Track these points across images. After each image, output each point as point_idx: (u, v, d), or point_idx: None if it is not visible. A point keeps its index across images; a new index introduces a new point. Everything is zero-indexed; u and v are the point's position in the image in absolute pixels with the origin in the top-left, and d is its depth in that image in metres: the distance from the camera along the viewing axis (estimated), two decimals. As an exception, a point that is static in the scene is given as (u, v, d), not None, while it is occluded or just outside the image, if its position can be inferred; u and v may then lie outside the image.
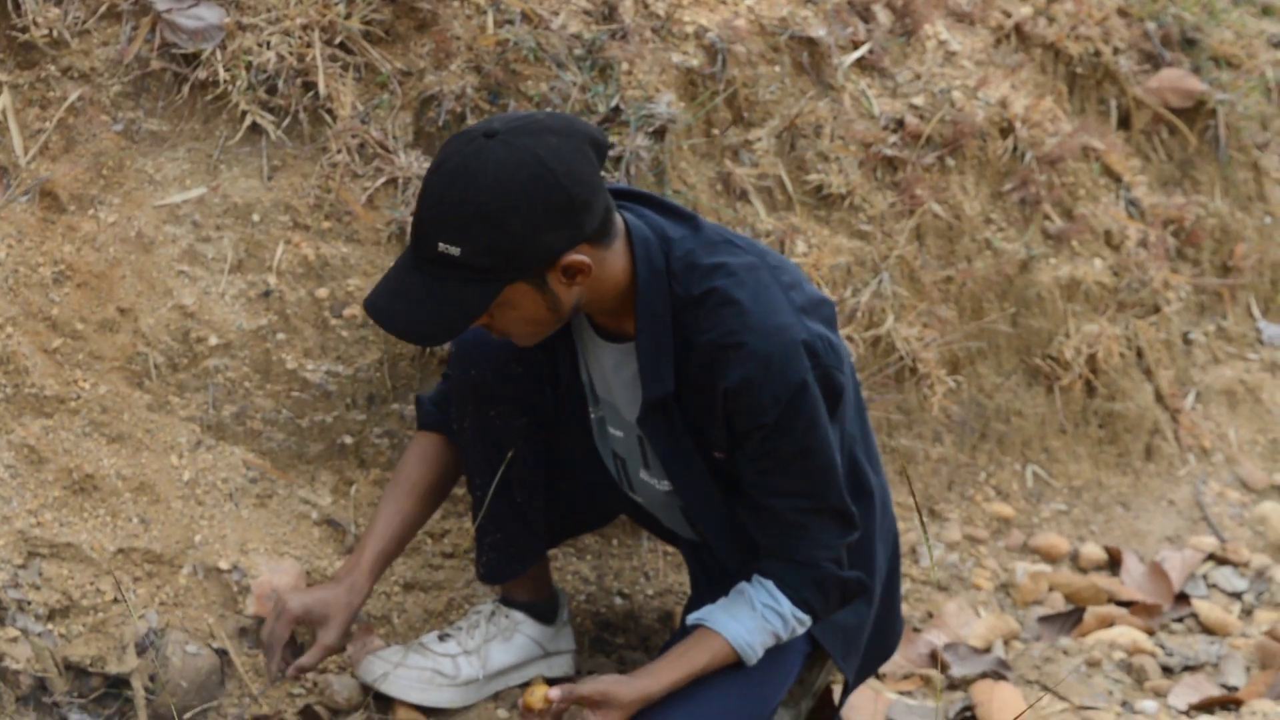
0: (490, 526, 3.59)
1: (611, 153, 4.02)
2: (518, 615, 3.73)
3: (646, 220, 3.24)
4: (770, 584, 3.34)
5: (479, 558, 3.67)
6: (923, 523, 2.45)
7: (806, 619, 3.37)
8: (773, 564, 3.35)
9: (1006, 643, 4.24)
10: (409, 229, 3.11)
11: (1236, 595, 4.57)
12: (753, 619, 3.34)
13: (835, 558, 3.33)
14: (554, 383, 3.49)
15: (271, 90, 3.87)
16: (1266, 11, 5.84)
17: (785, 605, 3.34)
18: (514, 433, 3.50)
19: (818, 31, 4.48)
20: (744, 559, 3.41)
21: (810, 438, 3.22)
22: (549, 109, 4.03)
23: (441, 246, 3.03)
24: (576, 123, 3.13)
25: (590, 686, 3.28)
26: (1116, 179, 5.04)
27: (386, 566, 3.53)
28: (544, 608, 3.76)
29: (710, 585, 3.51)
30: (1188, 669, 4.22)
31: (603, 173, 3.93)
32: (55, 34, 3.78)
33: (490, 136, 3.04)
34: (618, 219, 3.19)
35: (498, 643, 3.71)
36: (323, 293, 3.84)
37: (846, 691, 3.64)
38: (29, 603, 3.45)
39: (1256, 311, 5.42)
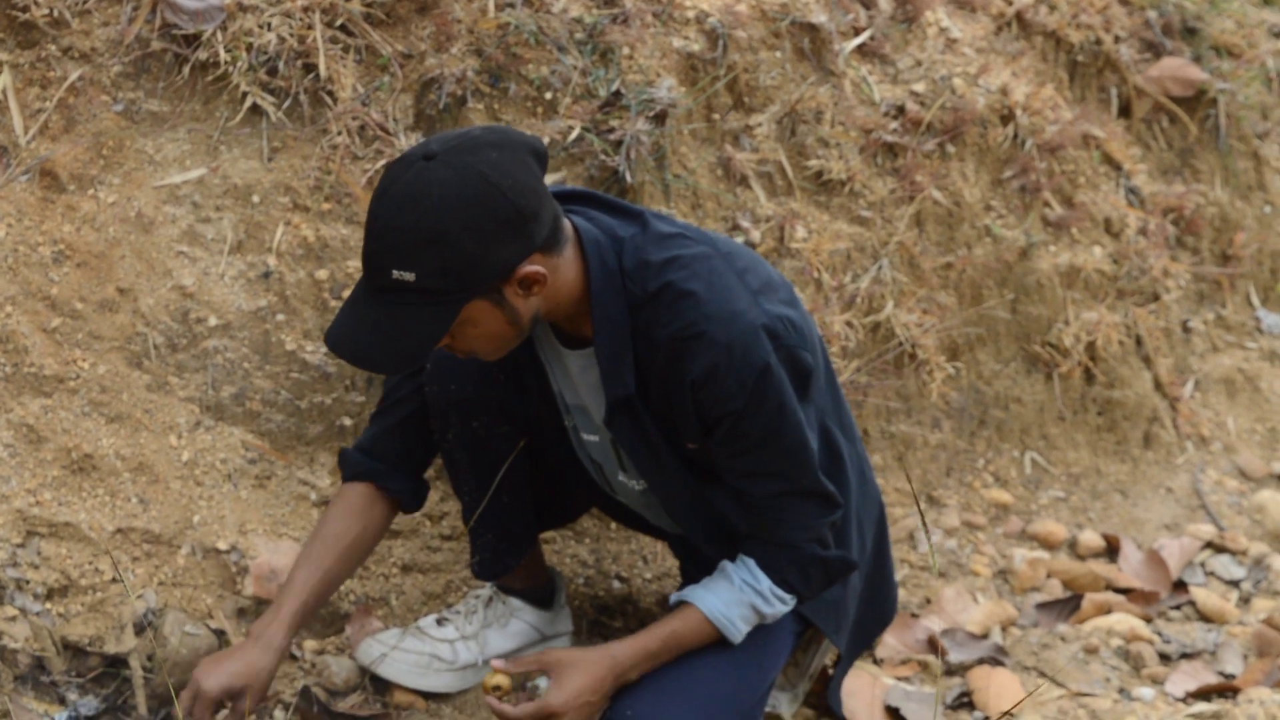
0: (481, 528, 3.59)
1: (612, 136, 4.02)
2: (515, 602, 3.73)
3: (595, 221, 3.24)
4: (751, 562, 3.35)
5: (472, 556, 3.67)
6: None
7: (789, 598, 3.37)
8: (753, 545, 3.36)
9: (1004, 629, 4.24)
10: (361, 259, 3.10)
11: (1234, 583, 4.57)
12: (730, 592, 3.34)
13: (817, 538, 3.33)
14: (524, 394, 3.49)
15: (272, 72, 3.87)
16: (1267, 1, 5.83)
17: (764, 582, 3.34)
18: (498, 440, 3.50)
19: (819, 17, 4.48)
20: (723, 550, 3.41)
21: (779, 419, 3.22)
22: (550, 93, 4.03)
23: (395, 274, 3.01)
24: (513, 134, 3.11)
25: (537, 656, 3.31)
26: (1117, 167, 5.04)
27: (305, 623, 3.45)
28: (540, 593, 3.76)
29: (699, 576, 3.51)
30: (1185, 656, 4.22)
31: (601, 157, 3.94)
32: (56, 14, 3.78)
33: (429, 159, 3.01)
34: (567, 224, 3.18)
35: (495, 629, 3.71)
36: (322, 274, 3.84)
37: (841, 664, 3.64)
38: (27, 582, 3.45)
39: (1255, 300, 5.42)
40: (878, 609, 3.67)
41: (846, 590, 3.53)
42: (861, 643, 3.68)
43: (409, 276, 3.00)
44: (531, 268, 3.07)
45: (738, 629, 3.36)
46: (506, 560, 3.66)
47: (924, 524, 2.56)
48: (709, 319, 3.15)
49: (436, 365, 3.47)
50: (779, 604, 3.36)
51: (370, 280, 3.06)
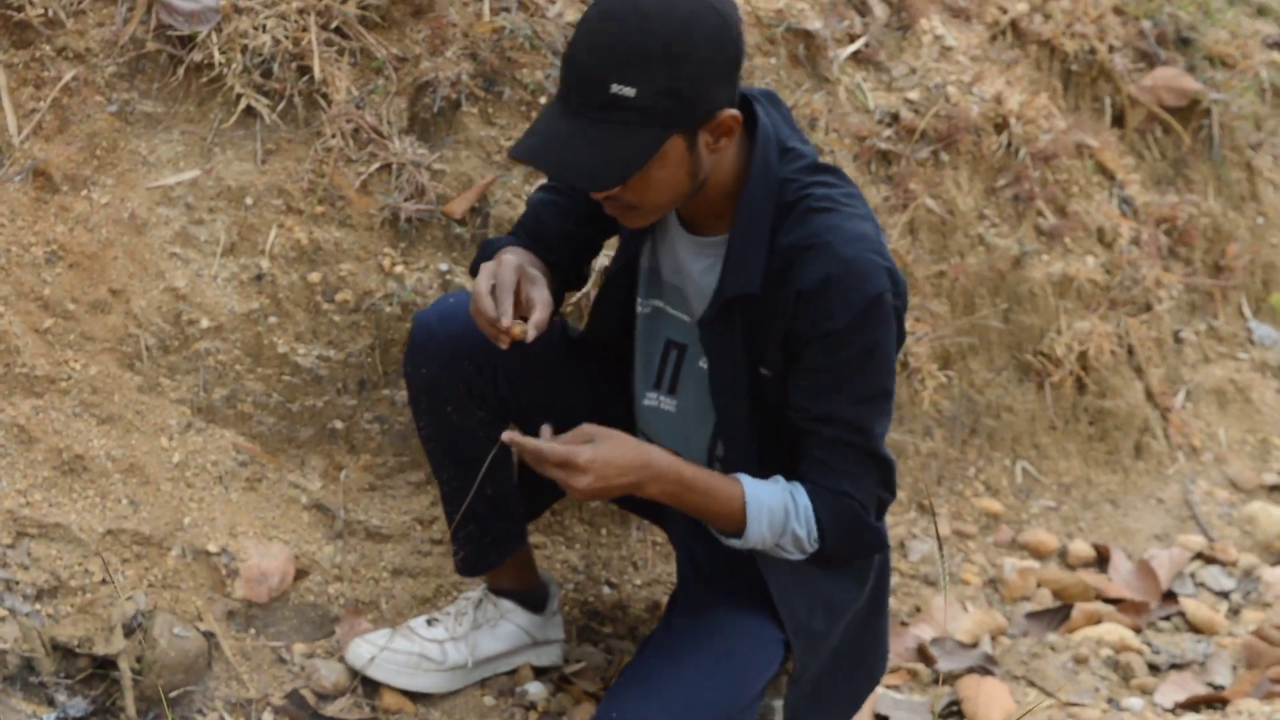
0: (463, 521, 3.58)
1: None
2: (506, 604, 3.73)
3: (772, 120, 3.18)
4: (799, 485, 3.21)
5: (455, 551, 3.66)
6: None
7: (814, 540, 3.20)
8: (805, 482, 3.21)
9: (994, 638, 4.24)
10: (561, 77, 2.98)
11: (1224, 594, 4.57)
12: (774, 489, 3.18)
13: (864, 501, 3.19)
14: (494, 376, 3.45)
15: (266, 74, 3.87)
16: (1262, 12, 5.85)
17: (804, 502, 3.17)
18: (473, 426, 3.48)
19: (814, 24, 4.48)
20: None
21: (871, 358, 3.11)
22: (544, 97, 4.03)
23: (615, 88, 2.93)
24: None
25: (582, 428, 3.09)
26: (1110, 177, 5.04)
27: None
28: (532, 597, 3.75)
29: (697, 576, 3.49)
30: (1174, 667, 4.22)
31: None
32: (50, 14, 3.78)
33: None
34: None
35: (485, 630, 3.71)
36: (315, 277, 3.83)
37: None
38: (17, 582, 3.44)
39: (1248, 311, 5.43)
40: (866, 663, 3.53)
41: (832, 628, 3.42)
42: (847, 701, 3.55)
43: (629, 92, 2.93)
44: (733, 112, 3.02)
45: (761, 524, 3.16)
46: (491, 555, 3.64)
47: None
48: (835, 232, 3.07)
49: (411, 348, 3.45)
50: (806, 531, 3.18)
51: (580, 96, 2.98)
